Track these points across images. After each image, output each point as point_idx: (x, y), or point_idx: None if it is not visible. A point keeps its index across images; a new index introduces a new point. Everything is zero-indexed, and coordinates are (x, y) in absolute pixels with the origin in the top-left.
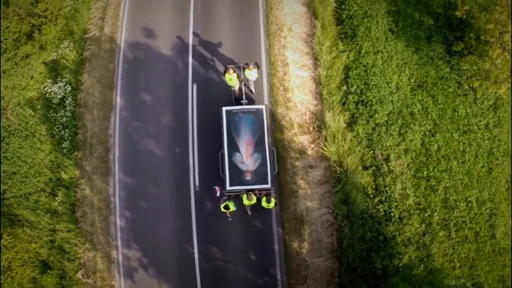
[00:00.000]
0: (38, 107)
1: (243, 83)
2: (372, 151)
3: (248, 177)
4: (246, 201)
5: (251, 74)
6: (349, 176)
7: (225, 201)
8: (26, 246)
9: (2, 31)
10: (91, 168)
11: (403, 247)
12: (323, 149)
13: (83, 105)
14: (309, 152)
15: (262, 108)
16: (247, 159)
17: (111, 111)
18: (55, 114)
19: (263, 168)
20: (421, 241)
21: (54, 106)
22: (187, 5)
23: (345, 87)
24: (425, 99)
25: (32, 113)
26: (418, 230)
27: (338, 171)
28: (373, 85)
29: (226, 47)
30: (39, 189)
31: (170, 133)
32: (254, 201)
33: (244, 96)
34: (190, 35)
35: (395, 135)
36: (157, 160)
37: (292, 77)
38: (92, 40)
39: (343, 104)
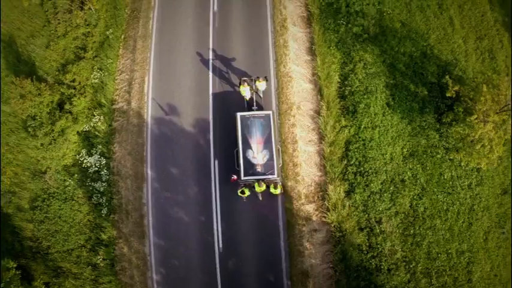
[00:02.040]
0: (75, 174)
1: (254, 93)
2: (366, 215)
3: (259, 169)
4: (257, 188)
5: (261, 85)
6: (346, 238)
7: (241, 187)
8: None
9: (37, 106)
10: (128, 230)
11: None
12: (325, 216)
13: (116, 174)
14: (314, 218)
15: (269, 114)
16: (258, 155)
17: (143, 182)
18: (93, 183)
19: (270, 162)
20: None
21: (90, 175)
22: (206, 87)
23: (345, 161)
24: (415, 167)
25: (70, 179)
26: (404, 278)
27: (338, 235)
28: (370, 157)
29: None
30: (80, 245)
31: (196, 203)
32: (264, 188)
33: (254, 103)
34: (211, 115)
35: (387, 201)
36: (186, 226)
37: (300, 153)
38: (120, 112)
39: (344, 174)
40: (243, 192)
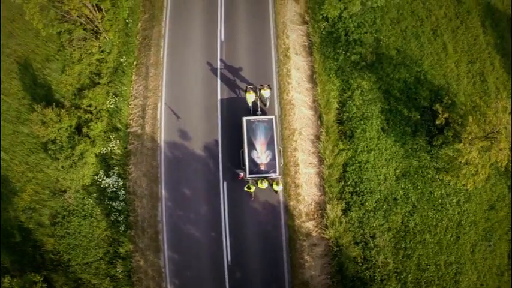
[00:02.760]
0: (93, 193)
1: (258, 99)
2: (361, 230)
3: (262, 168)
4: (260, 185)
5: (265, 92)
6: (343, 252)
7: (247, 183)
8: None
9: (57, 131)
10: (144, 245)
11: None
12: (324, 232)
13: (132, 193)
14: (313, 234)
15: (272, 118)
16: (261, 155)
17: (158, 202)
18: (110, 202)
19: (273, 161)
20: None
21: (108, 195)
22: (215, 114)
23: (342, 182)
24: (407, 186)
25: (88, 198)
26: None
27: (335, 249)
28: (365, 178)
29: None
30: (99, 258)
31: (206, 220)
32: (266, 185)
33: (259, 108)
34: (220, 141)
35: (380, 218)
36: (197, 240)
37: (301, 175)
38: (134, 135)
39: (341, 194)
40: (249, 188)
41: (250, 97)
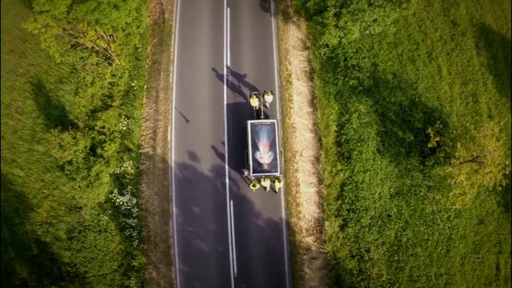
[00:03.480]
0: (108, 210)
1: (261, 104)
2: (357, 245)
3: (265, 167)
4: (263, 183)
5: (268, 98)
6: (340, 264)
7: (251, 181)
8: None
9: (73, 153)
10: (156, 258)
11: None
12: (322, 246)
13: (145, 210)
14: (313, 248)
15: (274, 122)
16: (264, 155)
17: (169, 218)
18: (124, 219)
19: (274, 161)
20: None
21: (122, 212)
22: (222, 137)
23: (340, 200)
24: (400, 204)
25: (103, 214)
26: None
27: (333, 262)
28: (361, 197)
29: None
30: (113, 270)
31: (215, 235)
32: (268, 183)
33: (262, 113)
34: (226, 163)
35: (375, 233)
36: (206, 254)
37: (302, 194)
38: (146, 156)
39: (338, 211)
40: (254, 186)
41: (254, 102)
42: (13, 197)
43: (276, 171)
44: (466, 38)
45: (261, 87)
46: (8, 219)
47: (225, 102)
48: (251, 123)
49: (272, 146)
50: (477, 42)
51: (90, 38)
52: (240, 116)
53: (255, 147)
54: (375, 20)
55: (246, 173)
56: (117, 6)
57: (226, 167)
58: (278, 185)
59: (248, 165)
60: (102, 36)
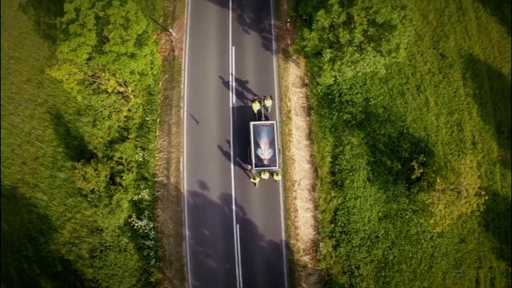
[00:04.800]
0: (127, 232)
1: (262, 107)
2: (348, 262)
3: (265, 162)
4: (263, 176)
5: (268, 102)
6: (333, 280)
7: (253, 175)
8: None
9: (95, 183)
10: (171, 275)
11: None
12: (317, 264)
13: (160, 232)
14: (309, 265)
15: (273, 123)
16: (264, 152)
17: (182, 240)
18: (142, 240)
19: (274, 157)
20: None
21: (140, 234)
22: (229, 168)
23: (334, 224)
24: (387, 226)
25: (123, 235)
26: None
27: (326, 278)
28: (352, 220)
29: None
30: (132, 285)
31: (222, 255)
32: (267, 176)
33: (263, 115)
34: (233, 191)
35: (364, 252)
36: (215, 271)
37: (300, 218)
38: (160, 184)
39: (332, 233)
40: (254, 179)
41: (256, 106)
42: (37, 218)
43: (275, 166)
44: (453, 70)
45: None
46: (33, 238)
47: (232, 135)
48: (253, 124)
49: (271, 144)
50: (464, 73)
51: (111, 85)
52: (245, 147)
53: (257, 145)
54: (367, 64)
55: (249, 167)
56: (134, 54)
57: (233, 194)
58: (276, 178)
59: (251, 160)
60: (120, 83)
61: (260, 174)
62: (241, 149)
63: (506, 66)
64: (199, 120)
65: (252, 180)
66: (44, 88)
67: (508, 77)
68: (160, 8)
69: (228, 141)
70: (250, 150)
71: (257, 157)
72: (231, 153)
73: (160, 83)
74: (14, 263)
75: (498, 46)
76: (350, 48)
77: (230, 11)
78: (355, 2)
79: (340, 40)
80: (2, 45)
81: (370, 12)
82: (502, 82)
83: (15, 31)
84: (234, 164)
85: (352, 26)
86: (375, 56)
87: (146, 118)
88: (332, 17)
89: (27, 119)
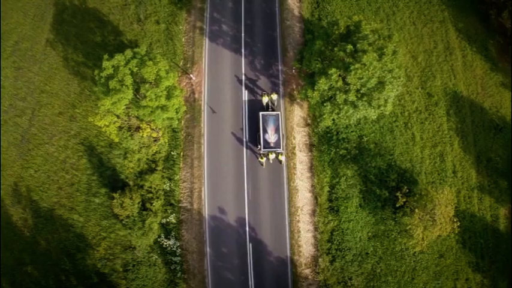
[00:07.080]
0: (156, 249)
1: (269, 101)
2: (342, 274)
3: (272, 145)
4: (270, 156)
5: (274, 96)
6: None
7: (260, 155)
8: None
9: (130, 210)
10: (194, 286)
11: None
12: (317, 276)
13: (185, 249)
14: (309, 277)
15: (278, 113)
16: (271, 137)
17: (204, 257)
18: (170, 256)
19: (278, 141)
20: None
21: (168, 251)
22: (243, 198)
23: (330, 243)
24: (376, 244)
25: (152, 252)
26: None
27: None
28: (346, 240)
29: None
30: None
31: (238, 269)
32: (273, 156)
33: (270, 107)
34: (247, 216)
35: (356, 266)
36: (232, 282)
37: (302, 238)
38: (185, 209)
39: (329, 250)
40: (261, 158)
41: (264, 99)
42: (74, 237)
43: (279, 148)
44: (438, 107)
45: (272, 171)
46: (70, 254)
47: (245, 172)
48: (262, 114)
49: (277, 131)
50: (448, 110)
51: (147, 132)
52: (256, 187)
53: (265, 131)
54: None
55: (259, 147)
56: (166, 106)
57: (247, 218)
58: (281, 158)
59: (260, 143)
60: (155, 129)
61: (267, 155)
62: (255, 181)
63: (487, 100)
64: (217, 155)
65: (259, 159)
66: (76, 121)
67: (489, 110)
68: (181, 53)
69: (242, 175)
70: (259, 135)
71: (265, 140)
72: (245, 184)
73: (183, 122)
74: (53, 275)
75: (481, 82)
76: (346, 107)
77: (243, 58)
78: (350, 72)
79: (337, 100)
80: (33, 79)
81: (362, 81)
82: (483, 115)
83: (45, 66)
84: (247, 193)
85: (347, 88)
86: (366, 109)
87: (172, 152)
88: (331, 83)
89: (61, 149)
